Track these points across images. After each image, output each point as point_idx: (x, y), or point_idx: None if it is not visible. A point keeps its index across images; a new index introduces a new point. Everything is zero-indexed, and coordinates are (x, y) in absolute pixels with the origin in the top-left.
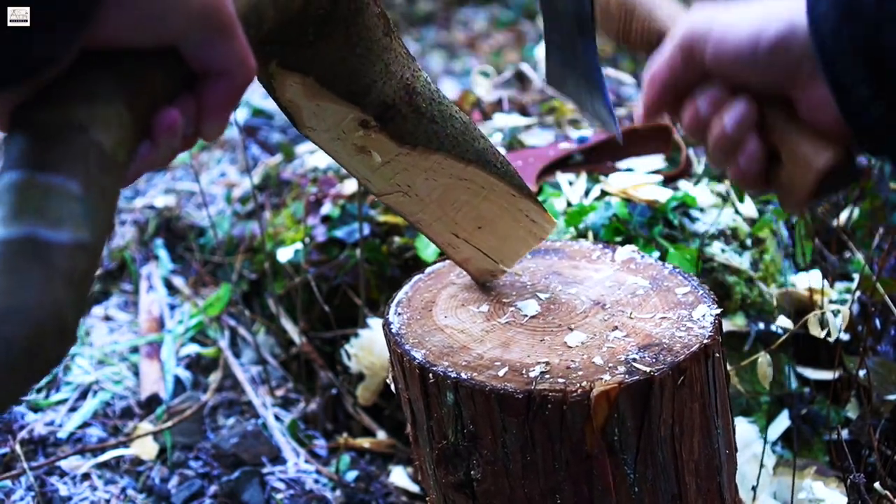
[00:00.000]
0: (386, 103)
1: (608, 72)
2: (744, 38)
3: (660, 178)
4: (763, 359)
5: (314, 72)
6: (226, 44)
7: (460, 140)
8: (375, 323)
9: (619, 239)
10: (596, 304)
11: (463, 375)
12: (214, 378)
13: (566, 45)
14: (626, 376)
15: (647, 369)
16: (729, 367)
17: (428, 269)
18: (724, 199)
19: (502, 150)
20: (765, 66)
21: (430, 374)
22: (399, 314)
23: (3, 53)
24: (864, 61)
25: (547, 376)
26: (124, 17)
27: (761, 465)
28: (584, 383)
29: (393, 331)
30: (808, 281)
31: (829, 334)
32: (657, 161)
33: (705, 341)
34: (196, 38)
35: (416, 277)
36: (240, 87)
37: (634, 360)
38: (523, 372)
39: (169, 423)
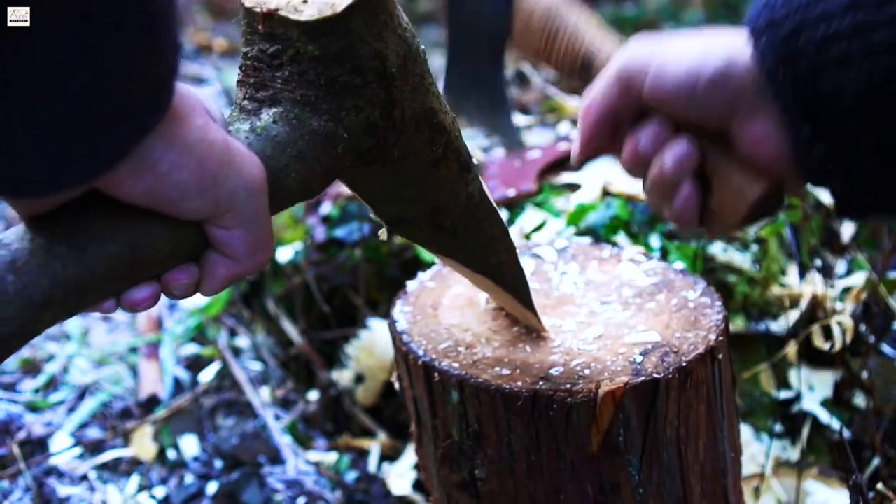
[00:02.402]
0: (403, 217)
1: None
2: (682, 73)
3: None
4: (765, 365)
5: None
6: (249, 235)
7: (476, 253)
8: (375, 324)
9: (621, 238)
10: (602, 304)
11: (468, 374)
12: (213, 378)
13: (475, 62)
14: (632, 377)
15: (653, 370)
16: None
17: (434, 268)
18: None
19: (502, 152)
20: (704, 101)
21: (435, 373)
22: (404, 312)
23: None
24: (802, 104)
25: (552, 376)
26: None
27: (763, 467)
28: (589, 384)
29: (398, 328)
30: (810, 282)
31: (833, 345)
32: None
33: (712, 343)
34: (224, 223)
35: (421, 275)
36: (244, 274)
37: (640, 360)
38: (529, 371)
39: (167, 423)
